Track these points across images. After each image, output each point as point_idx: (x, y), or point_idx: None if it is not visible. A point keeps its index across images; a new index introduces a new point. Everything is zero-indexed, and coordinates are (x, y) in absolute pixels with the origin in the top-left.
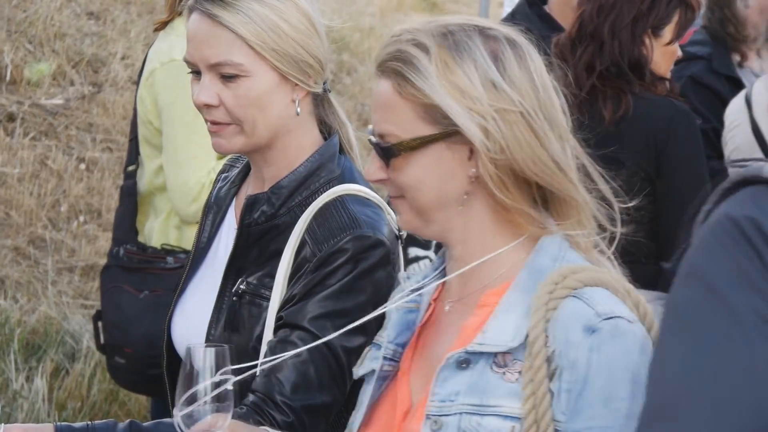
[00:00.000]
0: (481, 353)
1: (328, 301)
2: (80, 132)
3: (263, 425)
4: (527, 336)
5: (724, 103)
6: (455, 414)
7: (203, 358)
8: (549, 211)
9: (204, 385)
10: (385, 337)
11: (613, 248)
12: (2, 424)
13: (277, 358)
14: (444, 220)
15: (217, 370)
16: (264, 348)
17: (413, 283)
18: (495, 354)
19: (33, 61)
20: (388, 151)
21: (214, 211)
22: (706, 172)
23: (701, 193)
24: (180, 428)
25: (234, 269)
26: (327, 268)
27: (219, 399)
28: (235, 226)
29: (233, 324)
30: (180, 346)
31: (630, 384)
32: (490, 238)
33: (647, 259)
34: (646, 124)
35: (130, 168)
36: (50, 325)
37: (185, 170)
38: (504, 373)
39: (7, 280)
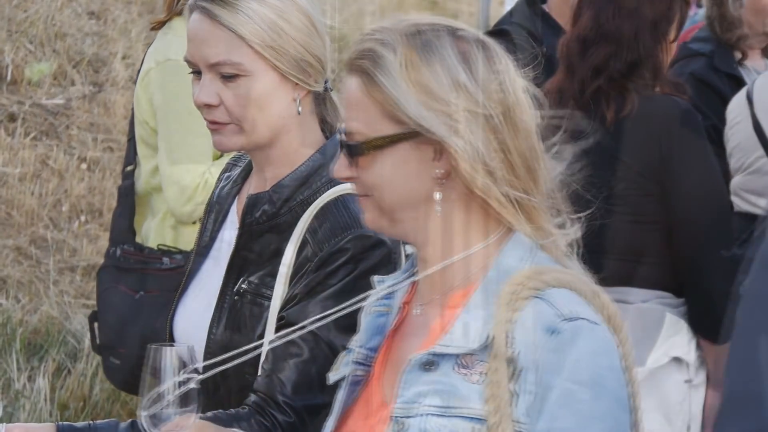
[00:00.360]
0: (446, 355)
1: (329, 302)
2: (81, 132)
3: (265, 425)
4: (490, 337)
5: (725, 101)
6: (419, 416)
7: (167, 358)
8: (519, 212)
9: (168, 385)
10: (356, 341)
11: (579, 249)
12: (4, 423)
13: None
14: (410, 220)
15: (180, 369)
16: (266, 348)
17: (386, 287)
18: (459, 355)
19: (34, 61)
20: (353, 149)
21: (216, 211)
22: (714, 170)
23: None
24: (145, 429)
25: (235, 268)
26: (328, 268)
27: (184, 398)
28: (237, 225)
29: (235, 323)
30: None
31: (592, 385)
32: (457, 239)
33: (651, 258)
34: (649, 124)
35: (129, 168)
36: (52, 324)
37: (180, 170)
38: (468, 374)
39: (9, 280)
